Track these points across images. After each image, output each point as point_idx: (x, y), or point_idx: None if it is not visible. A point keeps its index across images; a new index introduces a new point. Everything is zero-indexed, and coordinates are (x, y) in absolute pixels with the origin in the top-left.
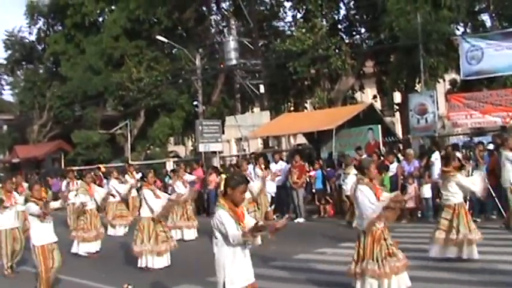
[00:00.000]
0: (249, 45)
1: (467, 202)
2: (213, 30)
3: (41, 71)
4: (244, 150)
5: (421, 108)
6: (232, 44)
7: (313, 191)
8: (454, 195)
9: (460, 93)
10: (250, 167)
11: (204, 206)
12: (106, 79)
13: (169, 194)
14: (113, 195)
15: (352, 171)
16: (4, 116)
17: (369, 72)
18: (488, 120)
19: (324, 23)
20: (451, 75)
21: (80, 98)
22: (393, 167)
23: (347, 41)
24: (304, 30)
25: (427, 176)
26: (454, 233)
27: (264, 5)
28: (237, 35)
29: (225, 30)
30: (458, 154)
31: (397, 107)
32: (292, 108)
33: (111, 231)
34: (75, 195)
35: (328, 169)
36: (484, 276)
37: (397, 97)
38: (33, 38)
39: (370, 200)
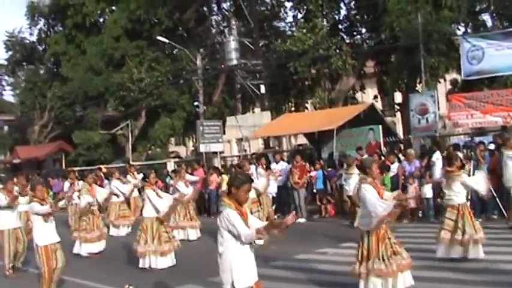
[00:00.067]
0: (249, 45)
1: (468, 202)
2: (213, 31)
3: (41, 71)
4: (245, 150)
5: (421, 108)
6: (233, 44)
7: (314, 191)
8: (457, 195)
9: (460, 93)
10: (252, 167)
11: (205, 206)
12: (107, 79)
13: (171, 195)
14: (116, 195)
15: (355, 171)
16: (5, 116)
17: (370, 72)
18: (489, 120)
19: (325, 23)
20: (451, 75)
21: (80, 98)
22: (394, 167)
23: (348, 41)
24: (304, 30)
25: (428, 176)
26: (459, 233)
27: (265, 5)
28: (238, 35)
29: (226, 30)
30: (459, 154)
31: (398, 107)
32: (293, 109)
33: (113, 231)
34: (78, 196)
35: (329, 169)
36: (487, 276)
37: (398, 97)
38: (33, 38)
39: (378, 198)
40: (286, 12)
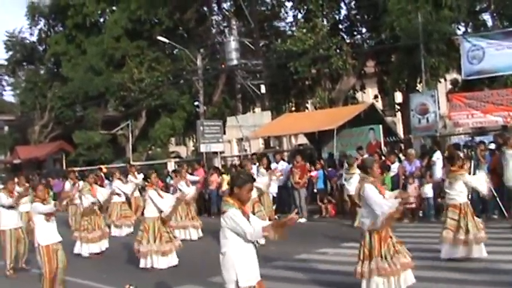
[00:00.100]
0: (250, 45)
1: (469, 202)
2: (214, 31)
3: (42, 71)
4: (246, 150)
5: (422, 108)
6: (233, 44)
7: (315, 191)
8: (459, 195)
9: (461, 92)
10: (254, 166)
11: (205, 206)
12: (107, 80)
13: (172, 195)
14: (118, 194)
15: (357, 171)
16: (5, 116)
17: (370, 72)
18: (489, 120)
19: (325, 23)
20: (452, 75)
21: (81, 98)
22: (394, 167)
23: (348, 41)
24: (305, 30)
25: (429, 176)
26: (462, 232)
27: (265, 5)
28: (238, 35)
29: (226, 30)
30: (460, 153)
31: (398, 107)
32: (293, 108)
33: (115, 231)
34: (80, 197)
35: (330, 169)
36: (487, 275)
37: (398, 97)
38: (34, 38)
39: (386, 195)
40: (286, 12)
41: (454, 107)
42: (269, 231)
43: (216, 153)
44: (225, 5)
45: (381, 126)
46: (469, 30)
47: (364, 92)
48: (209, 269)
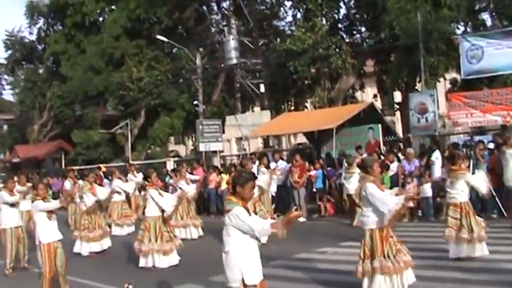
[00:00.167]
0: (249, 44)
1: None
2: (213, 30)
3: (41, 70)
4: (245, 149)
5: (421, 107)
6: (232, 43)
7: (314, 190)
8: (460, 194)
9: (460, 92)
10: (255, 166)
11: (204, 205)
12: (106, 79)
13: (171, 194)
14: (118, 192)
15: (356, 170)
16: (4, 115)
17: (369, 71)
18: (488, 119)
19: (324, 22)
20: (451, 74)
21: (80, 97)
22: (394, 166)
23: (347, 40)
24: (304, 29)
25: (428, 175)
26: (465, 231)
27: (264, 4)
28: (238, 34)
29: (226, 29)
30: (460, 153)
31: (398, 106)
32: (292, 108)
33: (116, 230)
34: (81, 196)
35: (329, 168)
36: (487, 275)
37: (398, 96)
38: (33, 37)
39: (386, 194)
40: (285, 12)
41: (453, 107)
42: (277, 227)
43: (215, 152)
44: (225, 4)
45: (380, 125)
46: (468, 29)
47: (363, 92)
48: (210, 268)
